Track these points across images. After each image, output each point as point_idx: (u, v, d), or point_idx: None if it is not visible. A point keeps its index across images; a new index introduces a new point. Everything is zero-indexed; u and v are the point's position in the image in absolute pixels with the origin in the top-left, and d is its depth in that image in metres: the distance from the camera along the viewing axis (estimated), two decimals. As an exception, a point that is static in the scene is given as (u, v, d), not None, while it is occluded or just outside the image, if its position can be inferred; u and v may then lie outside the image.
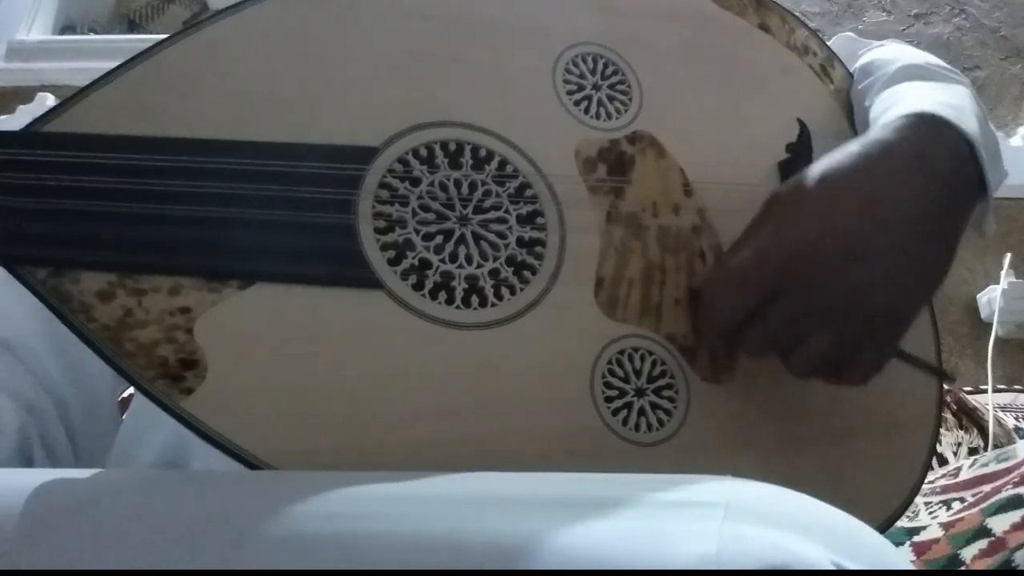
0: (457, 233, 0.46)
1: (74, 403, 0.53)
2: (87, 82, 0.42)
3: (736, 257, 0.47)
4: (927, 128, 0.47)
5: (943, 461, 0.85)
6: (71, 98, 0.41)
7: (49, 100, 1.58)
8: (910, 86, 0.54)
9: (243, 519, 0.32)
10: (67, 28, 1.91)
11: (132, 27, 1.99)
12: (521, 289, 0.46)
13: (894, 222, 0.45)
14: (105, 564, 0.31)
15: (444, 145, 0.47)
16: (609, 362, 0.46)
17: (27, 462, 0.50)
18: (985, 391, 1.02)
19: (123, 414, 0.63)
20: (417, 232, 0.45)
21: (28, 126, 0.40)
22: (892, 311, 0.45)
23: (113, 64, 0.42)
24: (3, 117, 1.52)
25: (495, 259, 0.46)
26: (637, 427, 0.45)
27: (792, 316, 0.45)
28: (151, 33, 1.95)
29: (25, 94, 1.62)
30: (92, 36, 1.90)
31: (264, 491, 0.34)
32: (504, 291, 0.45)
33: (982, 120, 0.50)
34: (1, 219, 0.38)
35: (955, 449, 0.89)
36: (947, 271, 0.47)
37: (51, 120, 0.40)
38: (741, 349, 0.48)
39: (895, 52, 0.61)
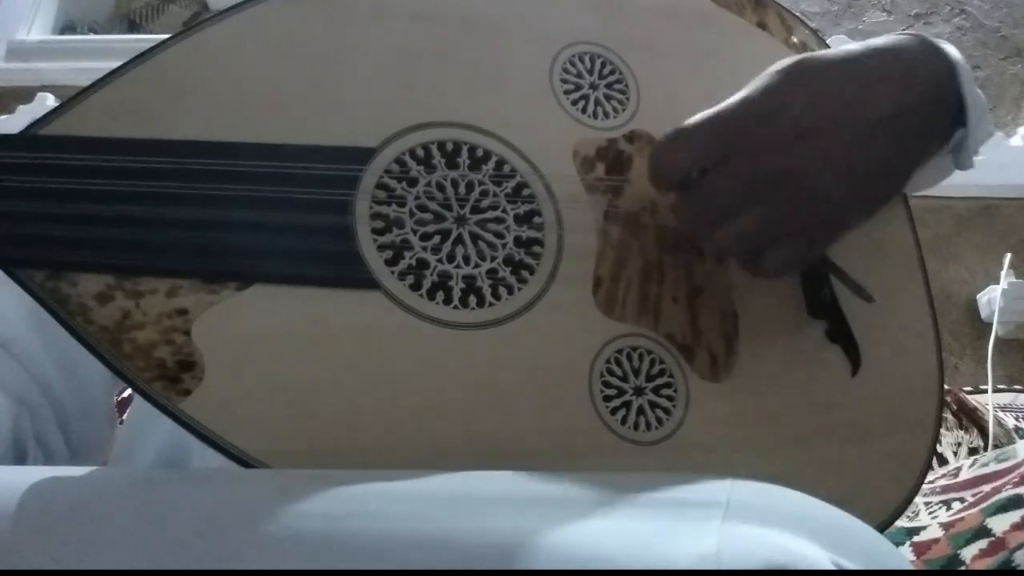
0: (455, 233, 0.46)
1: (69, 402, 0.53)
2: (87, 82, 0.42)
3: (692, 117, 0.45)
4: (915, 44, 0.47)
5: (943, 461, 0.85)
6: (69, 100, 0.41)
7: (49, 100, 1.58)
8: None
9: (240, 519, 0.32)
10: (67, 28, 1.92)
11: (132, 27, 1.99)
12: (519, 289, 0.46)
13: (860, 117, 0.44)
14: (101, 564, 0.31)
15: (441, 145, 0.47)
16: (608, 361, 0.46)
17: (20, 459, 0.50)
18: (985, 391, 1.02)
19: (122, 414, 0.63)
20: (414, 232, 0.45)
21: (26, 129, 0.40)
22: (832, 205, 0.44)
23: (113, 64, 0.42)
24: (3, 117, 1.52)
25: (493, 259, 0.46)
26: (636, 426, 0.45)
27: (728, 184, 0.43)
28: (151, 33, 1.95)
29: (25, 94, 1.63)
30: (92, 36, 1.90)
31: (261, 490, 0.34)
32: (502, 291, 0.45)
33: (970, 80, 0.50)
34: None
35: (955, 449, 0.89)
36: (901, 186, 0.46)
37: (49, 123, 0.40)
38: (676, 212, 0.47)
39: None
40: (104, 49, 1.73)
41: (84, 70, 1.62)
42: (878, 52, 0.46)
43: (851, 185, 0.44)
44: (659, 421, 0.46)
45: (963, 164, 0.51)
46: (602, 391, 0.45)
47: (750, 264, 0.45)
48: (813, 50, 0.61)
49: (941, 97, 0.47)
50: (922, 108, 0.46)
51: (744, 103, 0.44)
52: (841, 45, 0.48)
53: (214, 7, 1.93)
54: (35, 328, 0.51)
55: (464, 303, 0.44)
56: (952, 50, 0.48)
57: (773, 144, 0.43)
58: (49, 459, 0.52)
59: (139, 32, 1.97)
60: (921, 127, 0.46)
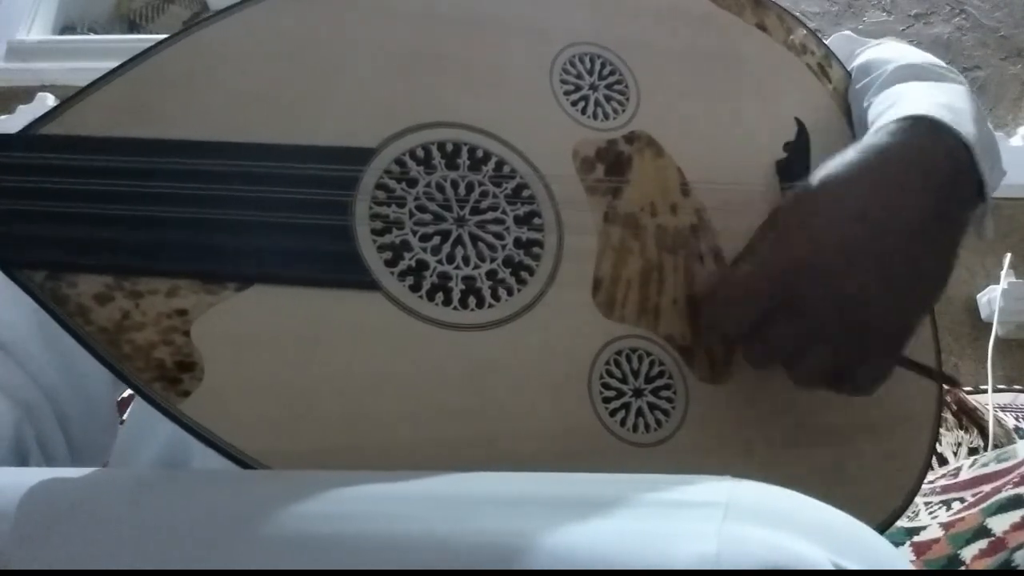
0: (454, 234, 0.46)
1: (70, 404, 0.53)
2: (87, 82, 0.42)
3: (739, 270, 0.47)
4: (924, 132, 0.47)
5: (943, 461, 0.85)
6: (69, 100, 0.41)
7: (49, 100, 1.58)
8: (907, 87, 0.54)
9: (240, 519, 0.32)
10: (67, 28, 1.91)
11: (132, 27, 1.99)
12: (518, 290, 0.46)
13: (893, 231, 0.45)
14: (101, 564, 0.31)
15: (441, 146, 0.47)
16: (607, 362, 0.46)
17: (22, 461, 0.49)
18: (985, 391, 1.02)
19: (123, 414, 0.63)
20: (414, 233, 0.45)
21: (26, 128, 0.40)
22: (893, 320, 0.45)
23: (113, 64, 0.42)
24: (3, 117, 1.52)
25: (492, 260, 0.46)
26: (635, 427, 0.45)
27: (793, 329, 0.45)
28: (151, 33, 1.95)
29: (25, 94, 1.62)
30: (92, 36, 1.90)
31: (260, 491, 0.34)
32: (501, 292, 0.45)
33: (980, 120, 0.50)
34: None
35: (955, 449, 0.89)
36: (948, 277, 0.47)
37: (49, 122, 0.40)
38: (745, 359, 0.48)
39: (893, 51, 0.61)
40: (104, 49, 1.73)
41: (84, 70, 1.61)
42: (890, 157, 0.47)
43: (908, 295, 0.45)
44: (658, 423, 0.46)
45: (983, 234, 0.52)
46: (601, 392, 0.45)
47: (840, 387, 0.46)
48: (812, 52, 0.62)
49: (963, 183, 0.48)
50: (950, 202, 0.47)
51: (785, 249, 0.45)
52: (840, 157, 0.47)
53: (214, 7, 1.93)
54: (36, 330, 0.51)
55: (464, 304, 0.44)
56: (965, 125, 0.48)
57: (826, 282, 0.44)
58: (51, 461, 0.52)
59: (139, 32, 1.97)
60: (952, 219, 0.47)
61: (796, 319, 0.45)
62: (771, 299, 0.45)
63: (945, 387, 0.55)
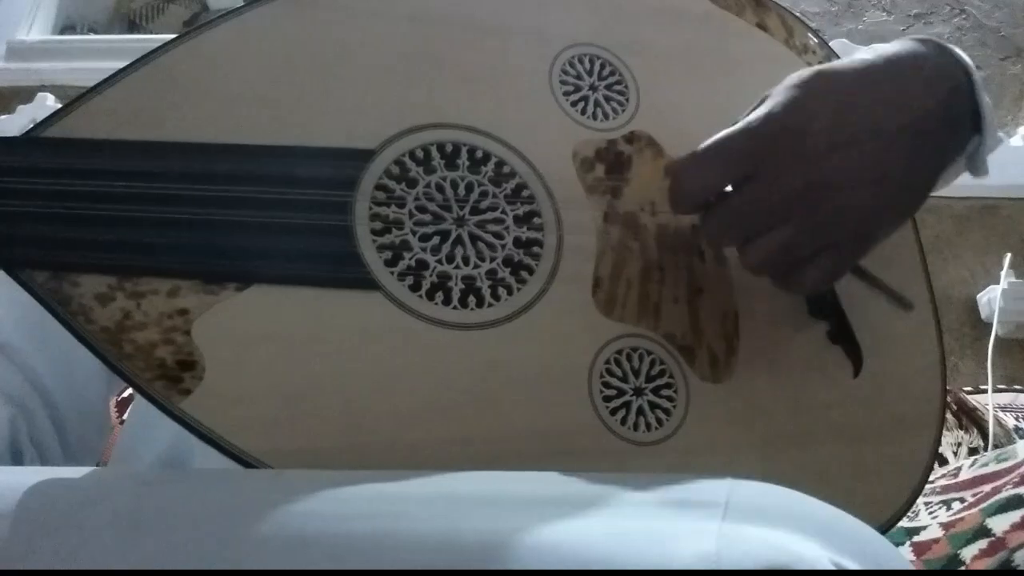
0: (454, 234, 0.46)
1: (64, 404, 0.53)
2: (87, 82, 0.42)
3: (717, 134, 0.45)
4: (928, 49, 0.47)
5: (943, 461, 0.85)
6: (71, 103, 0.41)
7: (49, 100, 1.58)
8: None
9: (240, 518, 0.32)
10: (67, 28, 1.91)
11: (132, 27, 1.99)
12: (518, 289, 0.46)
13: (887, 127, 0.43)
14: (102, 564, 0.31)
15: (441, 147, 0.47)
16: (607, 361, 0.46)
17: (16, 460, 0.50)
18: (985, 391, 1.02)
19: (122, 415, 0.63)
20: (414, 233, 0.45)
21: (29, 131, 0.40)
22: (865, 216, 0.44)
23: (113, 64, 0.42)
24: (3, 117, 1.52)
25: (492, 260, 0.46)
26: (636, 426, 0.45)
27: (759, 199, 0.43)
28: (151, 33, 1.95)
29: (25, 94, 1.62)
30: (92, 36, 1.90)
31: (260, 490, 0.34)
32: (501, 291, 0.45)
33: (983, 86, 0.50)
34: (2, 223, 0.38)
35: (955, 449, 0.89)
36: (927, 195, 0.46)
37: (51, 125, 0.41)
38: (704, 230, 0.47)
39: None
40: (104, 49, 1.73)
41: (84, 70, 1.61)
42: (896, 60, 0.46)
43: (882, 195, 0.44)
44: (659, 422, 0.46)
45: (977, 170, 0.51)
46: (602, 391, 0.45)
47: (784, 280, 0.45)
48: (814, 52, 0.62)
49: (959, 104, 0.47)
50: (943, 115, 0.45)
51: (768, 118, 0.43)
52: (851, 54, 0.47)
53: (214, 7, 1.93)
54: (30, 331, 0.51)
55: (463, 304, 0.44)
56: (965, 57, 0.48)
57: (803, 158, 0.42)
58: (44, 459, 0.52)
59: (139, 32, 1.97)
60: (943, 133, 0.46)
61: (764, 189, 0.43)
62: (743, 164, 0.43)
63: (904, 309, 0.54)
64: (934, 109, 0.45)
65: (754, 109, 0.45)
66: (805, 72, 0.45)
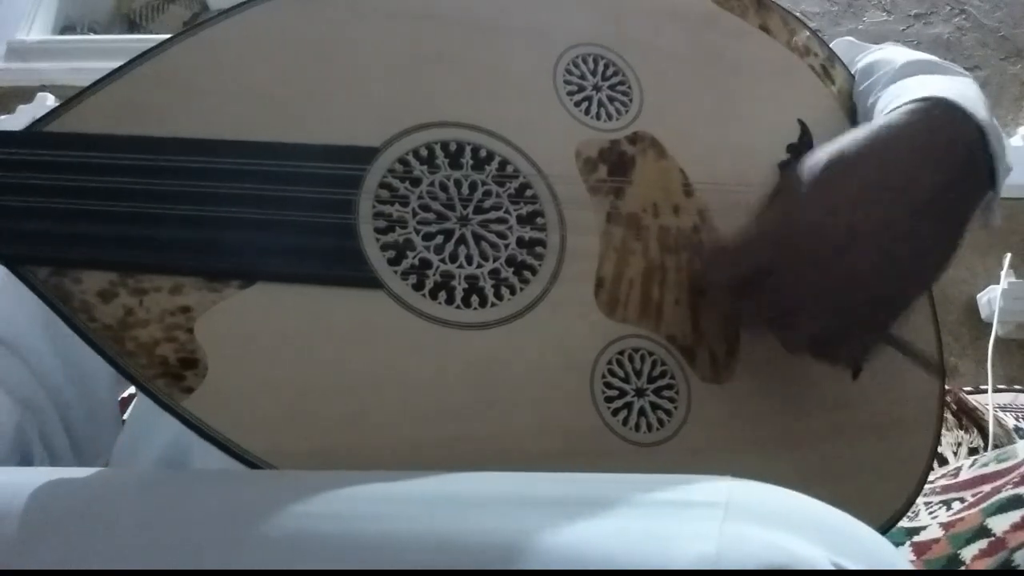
0: (457, 233, 0.46)
1: (74, 402, 0.53)
2: (87, 82, 0.42)
3: (740, 229, 0.47)
4: (938, 113, 0.47)
5: (943, 461, 0.85)
6: (73, 98, 0.41)
7: (49, 100, 1.58)
8: (916, 79, 0.54)
9: (242, 519, 0.32)
10: (67, 28, 1.91)
11: (132, 27, 1.99)
12: (521, 289, 0.46)
13: (901, 208, 0.44)
14: (105, 564, 0.31)
15: (445, 145, 0.47)
16: (609, 362, 0.46)
17: (25, 460, 0.50)
18: (985, 391, 1.02)
19: (124, 413, 0.63)
20: (417, 232, 0.45)
21: (30, 126, 0.40)
22: (889, 297, 0.45)
23: (113, 64, 0.42)
24: (3, 117, 1.52)
25: (495, 259, 0.46)
26: (637, 427, 0.45)
27: (785, 290, 0.45)
28: (151, 33, 1.95)
29: (25, 94, 1.62)
30: (92, 36, 1.90)
31: (263, 490, 0.34)
32: (504, 291, 0.45)
33: (988, 111, 0.50)
34: (3, 218, 0.38)
35: (955, 449, 0.89)
36: (950, 259, 0.47)
37: (53, 120, 0.40)
38: (736, 317, 0.48)
39: (896, 52, 0.61)
40: (104, 49, 1.73)
41: (84, 70, 1.61)
42: (907, 135, 0.46)
43: (906, 275, 0.45)
44: (660, 422, 0.46)
45: (990, 222, 0.51)
46: (604, 392, 0.45)
47: (827, 357, 0.47)
48: (815, 53, 0.62)
49: (975, 167, 0.47)
50: (961, 185, 0.46)
51: (788, 213, 0.45)
52: (861, 129, 0.47)
53: (214, 7, 1.93)
54: (41, 329, 0.51)
55: (466, 303, 0.44)
56: (979, 111, 0.47)
57: (826, 250, 0.44)
58: (54, 460, 0.52)
59: (139, 32, 1.97)
60: (961, 203, 0.47)
61: (789, 280, 0.45)
62: (765, 258, 0.45)
63: (931, 375, 0.55)
64: (952, 181, 0.45)
65: (772, 195, 0.48)
66: (819, 163, 0.46)
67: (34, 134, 0.40)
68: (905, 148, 0.46)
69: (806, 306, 0.45)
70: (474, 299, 0.44)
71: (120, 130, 0.41)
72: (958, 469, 0.73)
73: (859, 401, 0.52)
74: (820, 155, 0.46)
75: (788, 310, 0.45)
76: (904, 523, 0.64)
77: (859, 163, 0.46)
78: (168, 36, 0.44)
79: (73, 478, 0.36)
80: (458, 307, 0.44)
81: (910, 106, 0.47)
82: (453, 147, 0.47)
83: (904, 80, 0.55)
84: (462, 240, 0.46)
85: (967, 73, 0.57)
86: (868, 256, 0.44)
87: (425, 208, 0.46)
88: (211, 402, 0.38)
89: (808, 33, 0.62)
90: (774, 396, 0.49)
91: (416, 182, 0.46)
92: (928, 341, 0.57)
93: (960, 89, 0.49)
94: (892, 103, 0.51)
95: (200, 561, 0.31)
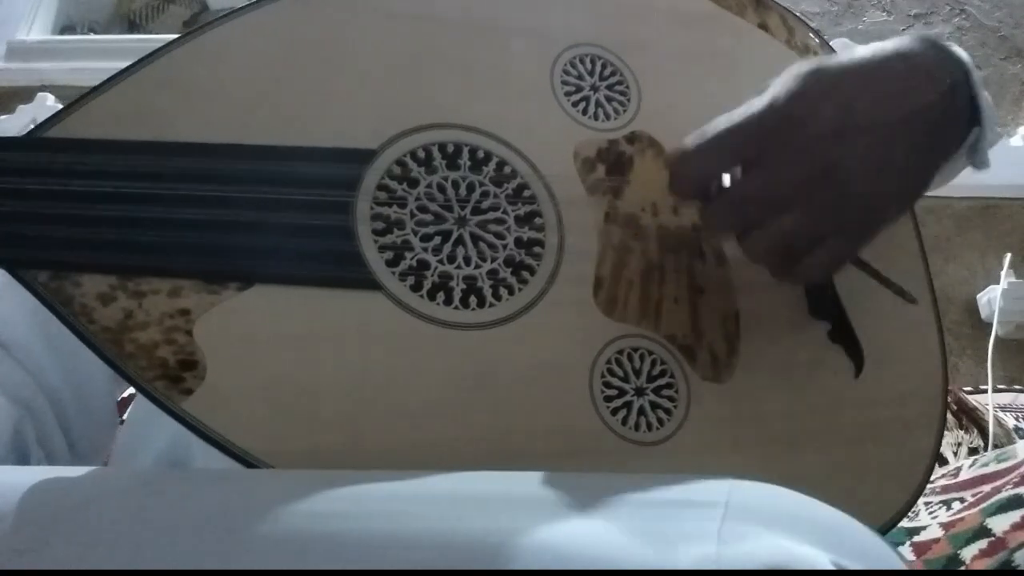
0: (455, 234, 0.46)
1: (71, 403, 0.53)
2: (87, 82, 0.42)
3: (719, 120, 0.45)
4: (927, 46, 0.47)
5: (943, 461, 0.85)
6: (73, 103, 0.41)
7: (49, 100, 1.58)
8: None
9: (241, 518, 0.32)
10: (67, 28, 1.91)
11: (132, 27, 1.99)
12: (520, 289, 0.46)
13: (888, 118, 0.44)
14: (103, 564, 0.31)
15: (442, 147, 0.47)
16: (608, 362, 0.46)
17: (22, 461, 0.50)
18: (985, 391, 1.02)
19: (123, 414, 0.63)
20: (415, 233, 0.45)
21: (31, 131, 0.40)
22: (868, 204, 0.44)
23: (113, 64, 0.43)
24: (3, 117, 1.52)
25: (493, 260, 0.46)
26: (637, 426, 0.45)
27: (761, 187, 0.43)
28: (151, 33, 1.95)
29: (25, 94, 1.62)
30: (92, 36, 1.90)
31: (261, 490, 0.34)
32: (503, 291, 0.45)
33: (981, 81, 0.50)
34: (3, 222, 0.38)
35: (955, 449, 0.89)
36: (927, 185, 0.46)
37: (54, 125, 0.41)
38: (705, 219, 0.47)
39: None
40: (104, 49, 1.73)
41: (84, 70, 1.61)
42: (895, 55, 0.46)
43: (886, 182, 0.44)
44: (660, 422, 0.46)
45: (979, 163, 0.51)
46: (603, 391, 0.45)
47: (785, 270, 0.45)
48: (815, 52, 0.62)
49: (958, 97, 0.47)
50: (943, 107, 0.46)
51: (771, 107, 0.43)
52: (850, 50, 0.47)
53: (214, 7, 1.93)
54: (38, 330, 0.51)
55: (465, 304, 0.44)
56: (962, 53, 0.48)
57: (805, 147, 0.42)
58: (51, 461, 0.52)
59: (139, 32, 1.97)
60: (943, 124, 0.46)
61: (765, 180, 0.43)
62: (749, 148, 0.44)
63: (906, 300, 0.54)
64: (934, 101, 0.45)
65: (756, 98, 0.45)
66: (807, 64, 0.45)
67: (35, 139, 0.40)
68: (893, 63, 0.45)
69: (778, 201, 0.43)
70: (472, 300, 0.45)
71: (119, 135, 0.41)
72: (958, 469, 0.73)
73: (860, 401, 0.52)
74: (806, 61, 0.45)
75: (758, 206, 0.43)
76: (904, 523, 0.64)
77: (848, 68, 0.45)
78: (169, 39, 0.44)
79: (70, 477, 0.36)
80: (456, 308, 0.44)
81: (899, 39, 0.47)
82: (451, 148, 0.47)
83: None
84: (460, 241, 0.46)
85: None
86: (853, 152, 0.42)
87: (423, 209, 0.46)
88: (210, 403, 0.38)
89: (807, 32, 0.62)
90: (774, 395, 0.49)
91: (414, 183, 0.46)
92: (917, 277, 0.56)
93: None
94: None
95: (199, 561, 0.31)
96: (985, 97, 0.49)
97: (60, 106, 0.42)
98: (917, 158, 0.45)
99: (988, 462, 0.70)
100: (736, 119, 0.44)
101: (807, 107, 0.43)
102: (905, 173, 0.45)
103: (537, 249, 0.47)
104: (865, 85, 0.44)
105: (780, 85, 0.44)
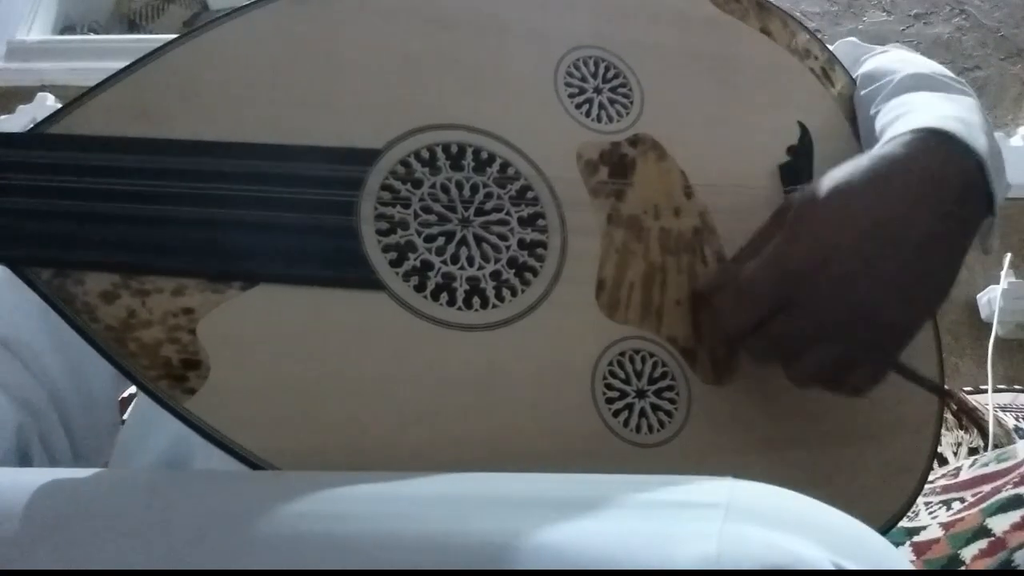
0: (459, 235, 0.46)
1: (73, 403, 0.53)
2: (87, 82, 0.42)
3: (747, 267, 0.47)
4: (937, 145, 0.47)
5: (943, 461, 0.85)
6: (75, 100, 0.41)
7: (49, 100, 1.58)
8: (918, 96, 0.54)
9: (243, 519, 0.32)
10: (67, 28, 1.91)
11: (132, 27, 1.99)
12: (522, 291, 0.46)
13: (903, 241, 0.45)
14: (105, 564, 0.31)
15: (446, 147, 0.47)
16: (610, 363, 0.46)
17: (24, 460, 0.50)
18: (985, 391, 1.03)
19: (124, 414, 0.63)
20: (419, 234, 0.45)
21: (33, 128, 0.40)
22: (896, 328, 0.46)
23: (113, 64, 0.43)
24: (3, 117, 1.52)
25: (496, 261, 0.46)
26: (638, 428, 0.45)
27: (798, 328, 0.45)
28: (151, 33, 1.95)
29: (25, 94, 1.62)
30: (92, 36, 1.90)
31: (263, 491, 0.34)
32: (505, 292, 0.45)
33: (989, 134, 0.50)
34: (6, 220, 0.38)
35: (955, 449, 0.89)
36: (951, 288, 0.47)
37: (56, 122, 0.41)
38: (747, 355, 0.49)
39: (899, 59, 0.61)
40: (104, 49, 1.73)
41: (84, 70, 1.62)
42: (907, 167, 0.47)
43: (911, 304, 0.46)
44: (661, 424, 0.46)
45: (988, 248, 0.52)
46: (604, 393, 0.45)
47: (835, 387, 0.47)
48: (816, 56, 0.62)
49: (974, 198, 0.48)
50: (960, 214, 0.47)
51: (796, 249, 0.45)
52: (856, 161, 0.47)
53: (214, 7, 1.93)
54: (42, 331, 0.51)
55: (468, 304, 0.44)
56: (978, 141, 0.48)
57: (835, 286, 0.44)
58: (54, 461, 0.52)
59: (139, 32, 1.97)
60: (960, 232, 0.48)
61: (801, 318, 0.45)
62: (776, 298, 0.46)
63: (943, 399, 0.55)
64: (949, 213, 0.46)
65: (771, 226, 0.48)
66: (819, 193, 0.46)
67: (37, 136, 0.40)
68: (906, 182, 0.46)
69: (820, 339, 0.45)
70: (475, 300, 0.45)
71: (122, 132, 0.41)
72: (958, 469, 0.73)
73: (859, 402, 0.52)
74: (822, 186, 0.47)
75: (801, 345, 0.46)
76: (904, 523, 0.64)
77: (860, 194, 0.46)
78: (170, 38, 0.44)
79: (73, 478, 0.36)
80: (459, 308, 0.44)
81: (908, 137, 0.48)
82: (454, 149, 0.47)
83: (905, 95, 0.55)
84: (464, 242, 0.46)
85: (967, 88, 0.56)
86: (876, 289, 0.45)
87: (427, 210, 0.46)
88: (213, 403, 0.38)
89: (808, 35, 0.62)
90: (775, 397, 0.50)
91: (418, 184, 0.46)
92: (931, 362, 0.57)
93: (959, 112, 0.50)
94: (893, 124, 0.51)
95: (200, 561, 0.31)
96: (998, 185, 0.49)
97: (60, 106, 0.42)
98: (938, 271, 0.46)
99: (988, 462, 0.70)
100: (759, 271, 0.46)
101: (824, 248, 0.45)
102: (928, 289, 0.46)
103: (540, 251, 0.47)
104: (878, 212, 0.45)
105: (795, 224, 0.46)
